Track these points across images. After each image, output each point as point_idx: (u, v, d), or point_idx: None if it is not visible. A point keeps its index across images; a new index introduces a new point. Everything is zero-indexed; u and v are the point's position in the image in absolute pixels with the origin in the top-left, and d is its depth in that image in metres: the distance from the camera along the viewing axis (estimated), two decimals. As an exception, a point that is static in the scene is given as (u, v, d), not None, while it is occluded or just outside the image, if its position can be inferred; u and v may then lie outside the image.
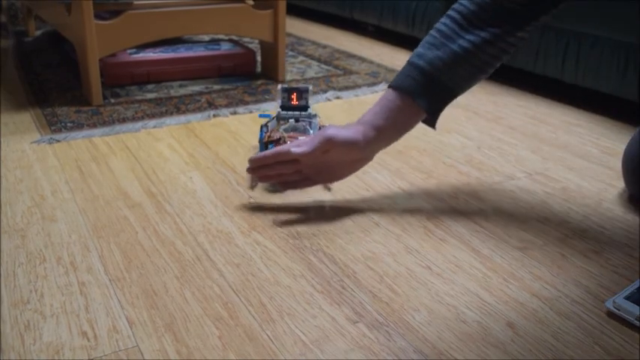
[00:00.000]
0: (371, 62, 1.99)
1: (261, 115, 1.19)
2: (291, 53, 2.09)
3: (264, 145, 1.10)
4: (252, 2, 1.69)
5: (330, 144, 0.93)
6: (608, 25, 1.45)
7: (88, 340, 0.71)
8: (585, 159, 1.26)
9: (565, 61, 1.56)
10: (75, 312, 0.76)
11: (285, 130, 1.15)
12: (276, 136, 1.10)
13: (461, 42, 0.91)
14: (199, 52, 1.78)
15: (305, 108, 1.19)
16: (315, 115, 1.18)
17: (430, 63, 0.92)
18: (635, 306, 0.75)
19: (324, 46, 2.21)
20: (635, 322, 0.74)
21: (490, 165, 1.21)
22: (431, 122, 0.98)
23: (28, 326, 0.73)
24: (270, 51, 1.75)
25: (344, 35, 2.44)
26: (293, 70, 1.87)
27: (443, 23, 0.94)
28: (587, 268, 0.87)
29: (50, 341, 0.71)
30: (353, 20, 2.45)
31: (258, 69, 1.84)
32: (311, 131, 1.15)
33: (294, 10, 2.80)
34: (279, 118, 1.18)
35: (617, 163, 1.13)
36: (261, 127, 1.14)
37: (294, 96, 1.18)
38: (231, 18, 1.63)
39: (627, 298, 0.77)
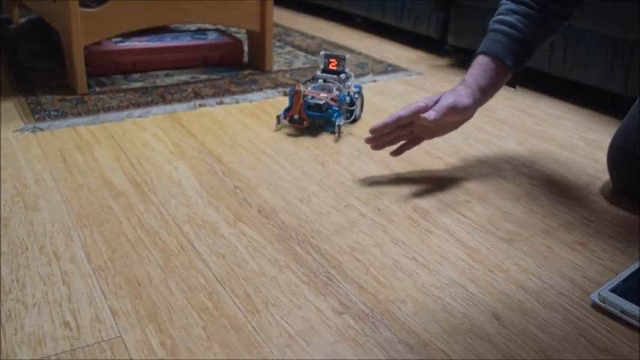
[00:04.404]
0: (359, 53, 1.98)
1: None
2: (278, 44, 2.07)
3: (291, 95, 1.31)
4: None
5: (454, 111, 1.02)
6: (595, 19, 1.45)
7: (71, 331, 0.70)
8: (571, 151, 1.26)
9: (552, 54, 1.56)
10: (57, 302, 0.75)
11: (315, 88, 1.35)
12: (296, 88, 1.28)
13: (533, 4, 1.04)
14: (186, 41, 1.77)
15: (339, 73, 1.36)
16: (345, 80, 1.34)
17: (512, 26, 1.04)
18: (620, 298, 0.75)
19: (312, 37, 2.20)
20: (620, 314, 0.75)
21: (477, 157, 1.21)
22: (513, 83, 1.10)
23: (10, 316, 0.72)
24: (258, 41, 1.73)
25: (332, 26, 2.43)
26: (280, 60, 1.86)
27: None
28: (572, 260, 0.87)
29: (32, 331, 0.70)
30: (341, 12, 2.44)
31: (245, 59, 1.83)
32: (336, 92, 1.32)
33: (283, 1, 2.78)
34: (313, 78, 1.39)
35: (603, 156, 1.13)
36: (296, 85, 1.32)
37: (332, 61, 1.37)
38: (218, 7, 1.62)
39: (612, 290, 0.77)
